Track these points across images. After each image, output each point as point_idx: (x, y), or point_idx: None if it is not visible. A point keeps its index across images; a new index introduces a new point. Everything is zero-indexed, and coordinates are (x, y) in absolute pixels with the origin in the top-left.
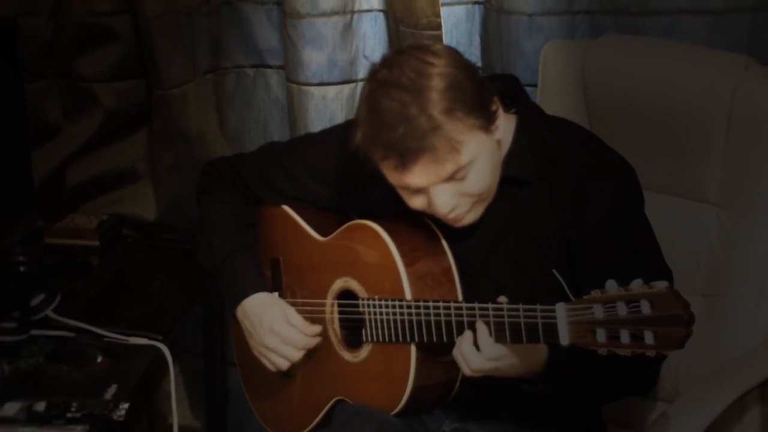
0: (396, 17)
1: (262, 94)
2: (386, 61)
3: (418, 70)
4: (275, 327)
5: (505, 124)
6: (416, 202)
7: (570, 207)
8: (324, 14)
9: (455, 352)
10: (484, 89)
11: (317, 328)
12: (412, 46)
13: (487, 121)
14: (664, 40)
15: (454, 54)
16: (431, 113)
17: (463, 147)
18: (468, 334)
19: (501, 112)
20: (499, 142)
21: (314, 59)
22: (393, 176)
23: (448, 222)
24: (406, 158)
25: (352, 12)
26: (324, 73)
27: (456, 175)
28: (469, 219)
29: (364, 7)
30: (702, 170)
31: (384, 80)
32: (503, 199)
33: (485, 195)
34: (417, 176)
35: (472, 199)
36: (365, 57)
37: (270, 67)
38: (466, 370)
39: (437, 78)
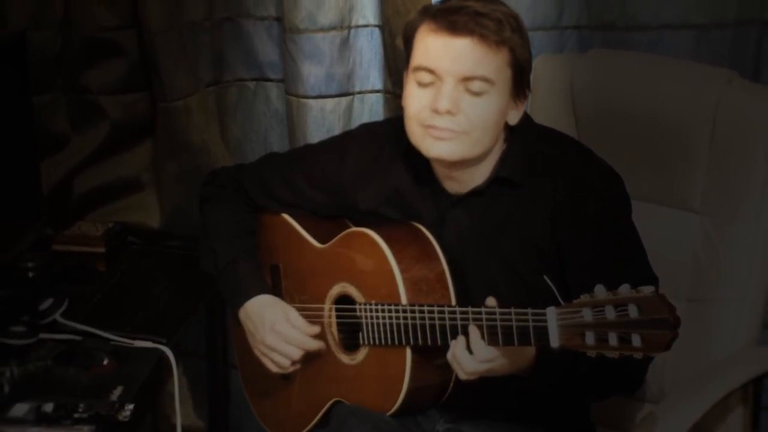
0: (392, 32)
1: (263, 106)
2: None
3: (500, 2)
4: (276, 326)
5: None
6: (419, 97)
7: (560, 213)
8: (322, 29)
9: (449, 357)
10: (531, 69)
11: (317, 328)
12: None
13: (522, 75)
14: (650, 54)
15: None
16: (498, 10)
17: (500, 57)
18: (461, 338)
19: (525, 104)
20: (503, 138)
21: (313, 73)
22: (426, 47)
23: (431, 136)
24: (456, 26)
25: (349, 27)
26: (322, 86)
27: (473, 83)
28: (448, 147)
29: (361, 22)
30: (687, 180)
31: None
32: (496, 200)
33: (476, 136)
34: (450, 52)
35: (466, 124)
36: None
37: (270, 80)
38: (462, 374)
39: (514, 14)
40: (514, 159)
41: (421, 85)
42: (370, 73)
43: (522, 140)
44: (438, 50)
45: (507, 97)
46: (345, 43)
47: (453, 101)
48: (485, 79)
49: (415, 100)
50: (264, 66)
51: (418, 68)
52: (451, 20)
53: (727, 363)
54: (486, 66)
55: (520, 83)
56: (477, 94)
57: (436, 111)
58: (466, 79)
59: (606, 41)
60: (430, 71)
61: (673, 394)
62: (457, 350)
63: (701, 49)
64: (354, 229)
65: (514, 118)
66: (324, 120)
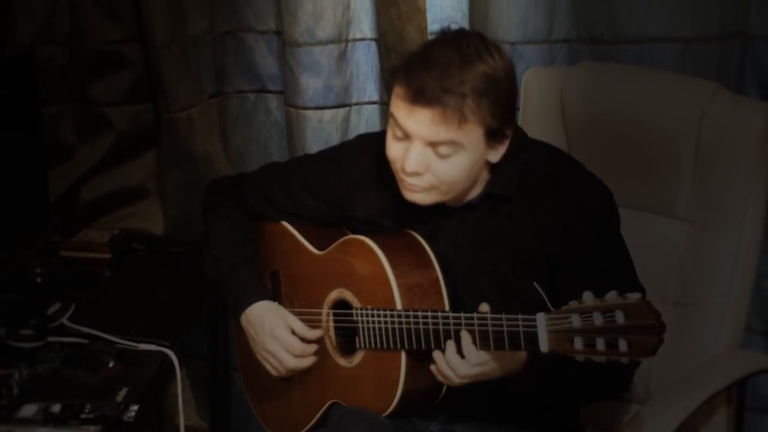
0: (387, 45)
1: (263, 117)
2: (460, 30)
3: (479, 49)
4: (276, 332)
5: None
6: (394, 148)
7: (551, 226)
8: (320, 43)
9: (442, 366)
10: (512, 110)
11: (316, 333)
12: (485, 36)
13: (495, 132)
14: (637, 66)
15: (511, 64)
16: (464, 81)
17: (466, 128)
18: (451, 344)
19: (507, 142)
20: (490, 167)
21: (311, 85)
22: (397, 107)
23: (403, 187)
24: (419, 98)
25: (347, 41)
26: (320, 97)
27: (441, 147)
28: (420, 197)
29: (358, 36)
30: (673, 188)
31: (448, 38)
32: (488, 214)
33: (446, 188)
34: (415, 119)
35: (435, 181)
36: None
37: (270, 92)
38: (455, 379)
39: (488, 66)
40: (507, 175)
41: (395, 137)
42: (367, 85)
43: (515, 157)
44: (405, 114)
45: (481, 150)
46: (342, 56)
47: (420, 163)
48: (453, 143)
49: (391, 148)
50: (264, 78)
51: (392, 118)
52: (414, 90)
53: (711, 365)
54: (452, 133)
55: (496, 133)
56: (445, 156)
57: (404, 171)
58: (433, 144)
59: (595, 54)
60: (401, 129)
61: (660, 396)
62: (449, 356)
63: (687, 62)
64: (351, 236)
65: (494, 157)
66: (322, 130)
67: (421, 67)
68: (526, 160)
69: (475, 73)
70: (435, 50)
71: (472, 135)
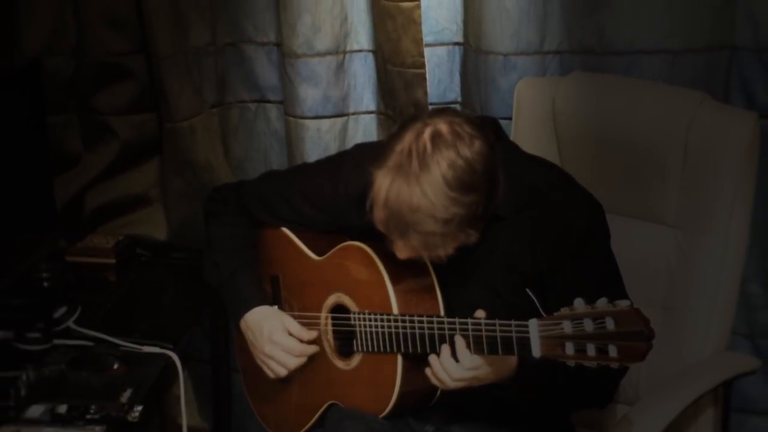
0: (384, 57)
1: (263, 126)
2: (435, 134)
3: (451, 163)
4: (274, 337)
5: None
6: (382, 227)
7: (543, 241)
8: (319, 54)
9: (437, 369)
10: (491, 201)
11: (313, 334)
12: (459, 130)
13: (477, 224)
14: (626, 77)
15: (486, 155)
16: (437, 218)
17: (446, 244)
18: (446, 348)
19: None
20: None
21: (310, 95)
22: (378, 216)
23: None
24: (399, 235)
25: (344, 52)
26: (319, 107)
27: None
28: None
29: (355, 47)
30: (661, 195)
31: (423, 153)
32: (482, 230)
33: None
34: (400, 242)
35: (427, 256)
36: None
37: (270, 102)
38: (449, 382)
39: (459, 184)
40: (502, 197)
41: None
42: (364, 95)
43: (508, 175)
44: (389, 235)
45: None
46: (340, 67)
47: (409, 254)
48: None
49: (378, 226)
50: (264, 89)
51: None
52: (391, 226)
53: (698, 367)
54: (435, 247)
55: (479, 223)
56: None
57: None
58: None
59: (585, 65)
60: None
61: (648, 397)
62: (443, 359)
63: (675, 73)
64: (349, 242)
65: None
66: (320, 139)
67: (401, 206)
68: (519, 176)
69: (446, 201)
70: (411, 175)
71: (456, 240)
